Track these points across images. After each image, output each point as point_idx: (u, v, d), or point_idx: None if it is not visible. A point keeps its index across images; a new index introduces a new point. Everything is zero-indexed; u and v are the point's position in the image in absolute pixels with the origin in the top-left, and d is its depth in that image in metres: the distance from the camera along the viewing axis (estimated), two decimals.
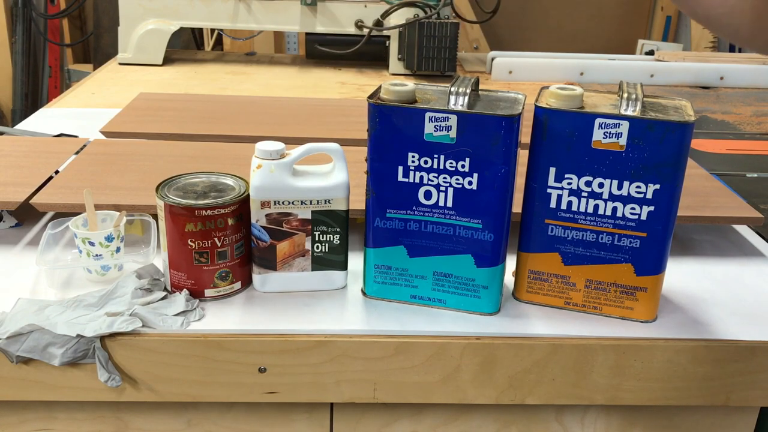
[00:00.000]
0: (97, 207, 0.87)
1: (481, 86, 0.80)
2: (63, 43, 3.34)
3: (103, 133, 1.27)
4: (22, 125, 1.38)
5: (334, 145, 0.79)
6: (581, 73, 1.93)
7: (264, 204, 0.78)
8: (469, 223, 0.76)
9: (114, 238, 0.82)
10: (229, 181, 0.82)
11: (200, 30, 2.90)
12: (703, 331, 0.79)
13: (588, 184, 0.75)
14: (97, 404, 0.82)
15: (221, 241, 0.78)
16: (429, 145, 0.74)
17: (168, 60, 1.96)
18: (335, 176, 0.79)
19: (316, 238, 0.81)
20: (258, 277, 0.82)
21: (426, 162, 0.74)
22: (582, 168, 0.74)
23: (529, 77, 1.94)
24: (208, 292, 0.80)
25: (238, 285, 0.82)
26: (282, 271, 0.81)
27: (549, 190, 0.76)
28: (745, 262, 0.96)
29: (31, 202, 0.91)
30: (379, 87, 0.76)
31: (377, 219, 0.78)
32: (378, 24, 1.84)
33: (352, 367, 0.77)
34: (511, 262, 0.84)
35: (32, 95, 3.21)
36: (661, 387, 0.78)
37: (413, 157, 0.75)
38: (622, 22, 3.30)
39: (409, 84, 0.75)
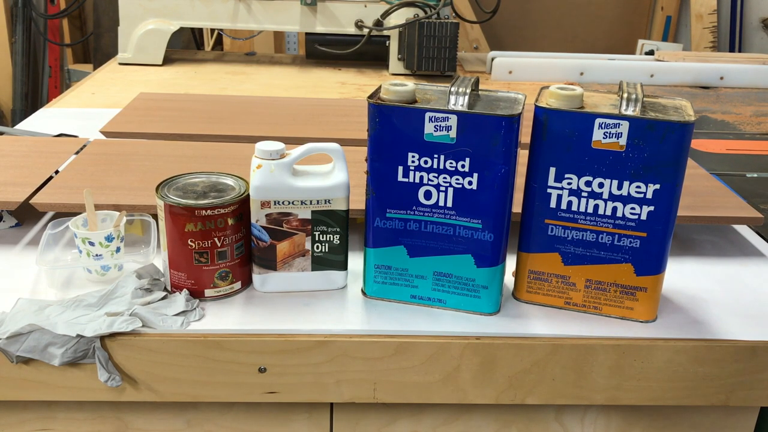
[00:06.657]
0: (97, 207, 0.87)
1: (481, 86, 0.80)
2: (63, 43, 3.34)
3: (103, 133, 1.27)
4: (22, 125, 1.38)
5: (334, 145, 0.79)
6: (581, 73, 1.93)
7: (264, 204, 0.78)
8: (469, 223, 0.76)
9: (114, 238, 0.82)
10: (229, 181, 0.82)
11: (200, 30, 2.90)
12: (703, 331, 0.79)
13: (588, 184, 0.75)
14: (97, 404, 0.82)
15: (221, 241, 0.78)
16: (429, 145, 0.74)
17: (168, 60, 1.96)
18: (335, 176, 0.79)
19: (316, 238, 0.81)
20: (258, 277, 0.82)
21: (426, 162, 0.74)
22: (582, 168, 0.74)
23: (529, 77, 1.94)
24: (208, 292, 0.80)
25: (238, 285, 0.82)
26: (282, 271, 0.81)
27: (549, 190, 0.76)
28: (745, 262, 0.96)
29: (31, 202, 0.91)
30: (379, 87, 0.76)
31: (377, 219, 0.78)
32: (378, 24, 1.85)
33: (352, 367, 0.77)
34: (511, 262, 0.84)
35: (32, 95, 3.21)
36: (661, 387, 0.78)
37: (413, 157, 0.75)
38: (622, 22, 3.30)
39: (409, 84, 0.75)
